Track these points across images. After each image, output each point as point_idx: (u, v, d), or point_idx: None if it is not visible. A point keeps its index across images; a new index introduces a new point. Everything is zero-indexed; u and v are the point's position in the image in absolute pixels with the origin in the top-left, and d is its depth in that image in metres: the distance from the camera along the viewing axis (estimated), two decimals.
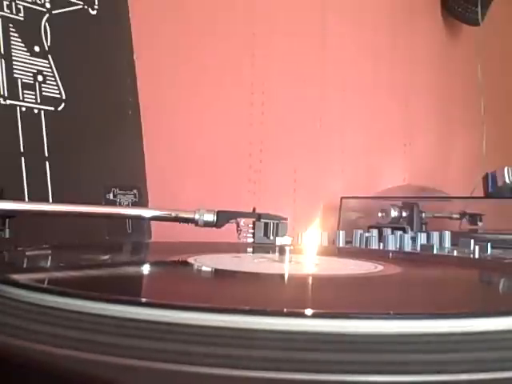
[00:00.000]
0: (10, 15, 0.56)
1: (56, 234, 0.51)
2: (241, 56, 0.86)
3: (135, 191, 0.62)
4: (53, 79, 0.58)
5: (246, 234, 0.53)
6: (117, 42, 0.65)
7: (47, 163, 0.56)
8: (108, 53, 0.64)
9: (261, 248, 0.50)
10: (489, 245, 0.56)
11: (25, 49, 0.56)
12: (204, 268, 0.36)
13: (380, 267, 0.37)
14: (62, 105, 0.58)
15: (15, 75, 0.55)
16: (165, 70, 0.75)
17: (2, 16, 0.55)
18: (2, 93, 0.54)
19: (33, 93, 0.56)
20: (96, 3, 0.63)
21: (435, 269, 0.44)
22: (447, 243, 0.62)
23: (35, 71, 0.57)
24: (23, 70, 0.56)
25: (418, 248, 0.61)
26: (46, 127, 0.56)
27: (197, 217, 0.51)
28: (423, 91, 1.25)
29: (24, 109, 0.55)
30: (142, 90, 0.66)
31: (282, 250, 0.38)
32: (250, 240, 0.52)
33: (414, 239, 0.63)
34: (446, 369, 0.16)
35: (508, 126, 1.45)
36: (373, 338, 0.18)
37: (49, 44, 0.58)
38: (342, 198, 0.91)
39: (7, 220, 0.46)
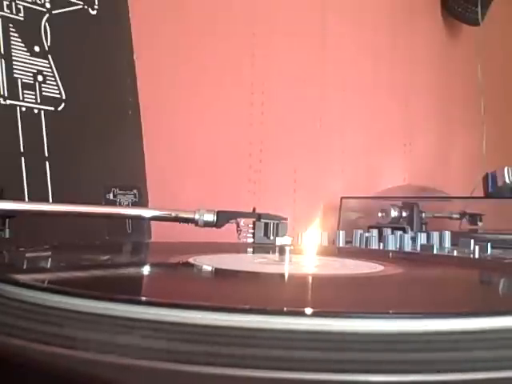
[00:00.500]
0: (10, 15, 0.56)
1: (56, 234, 0.51)
2: (241, 56, 0.86)
3: (135, 191, 0.62)
4: (53, 79, 0.58)
5: (246, 234, 0.53)
6: (117, 41, 0.65)
7: (47, 163, 0.56)
8: (108, 53, 0.64)
9: (261, 248, 0.50)
10: (489, 245, 0.56)
11: (25, 49, 0.56)
12: (204, 268, 0.36)
13: (380, 267, 0.37)
14: (62, 105, 0.58)
15: (15, 75, 0.55)
16: (165, 70, 0.75)
17: (2, 16, 0.55)
18: (1, 93, 0.54)
19: (33, 93, 0.56)
20: (96, 3, 0.63)
21: (435, 269, 0.44)
22: (447, 243, 0.62)
23: (35, 71, 0.57)
24: (23, 70, 0.56)
25: (418, 248, 0.61)
26: (45, 127, 0.56)
27: (197, 217, 0.51)
28: (423, 91, 1.25)
29: (24, 109, 0.55)
30: (142, 90, 0.66)
31: (282, 250, 0.38)
32: (250, 240, 0.52)
33: (414, 239, 0.63)
34: (446, 368, 0.16)
35: (508, 125, 1.45)
36: (373, 338, 0.18)
37: (49, 44, 0.58)
38: (341, 198, 0.91)
39: (7, 220, 0.46)
